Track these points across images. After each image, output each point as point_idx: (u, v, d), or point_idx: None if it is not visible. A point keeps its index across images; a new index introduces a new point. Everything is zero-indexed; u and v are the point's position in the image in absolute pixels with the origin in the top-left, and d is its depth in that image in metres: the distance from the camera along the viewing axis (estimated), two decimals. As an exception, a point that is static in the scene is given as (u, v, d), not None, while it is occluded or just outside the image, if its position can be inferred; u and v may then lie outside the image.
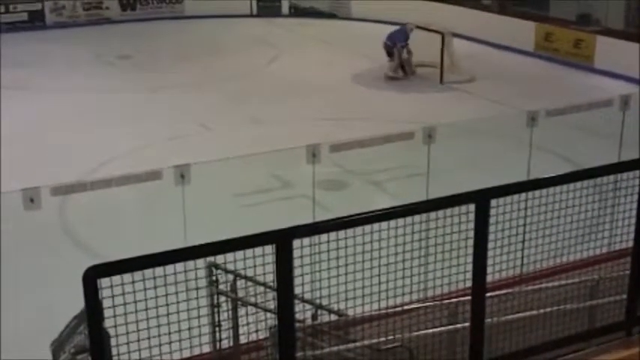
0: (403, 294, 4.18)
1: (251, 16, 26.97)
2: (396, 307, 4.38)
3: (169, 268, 3.43)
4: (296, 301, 3.72)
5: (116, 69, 20.60)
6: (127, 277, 3.36)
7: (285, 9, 27.19)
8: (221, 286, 5.79)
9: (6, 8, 25.13)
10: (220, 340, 5.82)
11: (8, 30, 24.50)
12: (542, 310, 5.09)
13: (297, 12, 27.05)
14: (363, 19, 25.33)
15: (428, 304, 4.92)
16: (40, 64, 20.66)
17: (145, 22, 26.28)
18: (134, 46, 23.00)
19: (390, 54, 19.11)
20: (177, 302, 3.67)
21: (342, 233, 3.77)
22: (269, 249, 3.55)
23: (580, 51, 19.83)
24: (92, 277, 3.19)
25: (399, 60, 19.03)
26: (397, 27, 19.54)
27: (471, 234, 3.96)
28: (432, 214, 3.96)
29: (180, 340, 3.80)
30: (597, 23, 21.39)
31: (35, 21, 25.61)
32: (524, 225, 4.44)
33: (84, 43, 23.60)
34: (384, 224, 3.79)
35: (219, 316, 5.81)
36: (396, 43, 19.04)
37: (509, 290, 5.12)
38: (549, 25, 21.17)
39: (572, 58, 19.94)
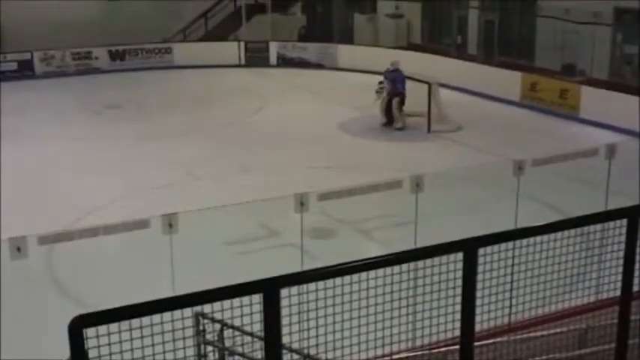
0: (392, 343, 4.16)
1: (239, 66, 27.23)
2: (384, 356, 4.35)
3: (156, 318, 3.40)
4: (284, 351, 3.69)
5: (104, 118, 20.67)
6: (114, 326, 3.32)
7: (272, 59, 27.49)
8: (208, 336, 5.75)
9: (-5, 57, 25.33)
10: (207, 391, 5.76)
11: (-3, 79, 24.63)
12: (531, 360, 5.07)
13: (284, 62, 27.37)
14: (350, 69, 25.63)
15: (416, 353, 4.89)
16: (28, 113, 20.72)
17: (134, 72, 26.48)
18: (122, 96, 23.11)
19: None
20: (164, 352, 3.63)
21: (330, 282, 3.75)
22: (256, 298, 3.53)
23: (565, 101, 20.04)
24: (78, 326, 3.16)
25: (397, 107, 18.92)
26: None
27: (459, 282, 3.95)
28: (420, 263, 3.96)
29: (166, 391, 3.75)
30: (582, 73, 21.71)
31: (24, 70, 25.77)
32: (512, 273, 4.44)
33: (72, 92, 23.74)
34: (372, 273, 3.78)
35: (206, 366, 5.76)
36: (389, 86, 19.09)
37: (498, 339, 5.10)
38: (535, 75, 21.43)
39: (558, 108, 20.13)
